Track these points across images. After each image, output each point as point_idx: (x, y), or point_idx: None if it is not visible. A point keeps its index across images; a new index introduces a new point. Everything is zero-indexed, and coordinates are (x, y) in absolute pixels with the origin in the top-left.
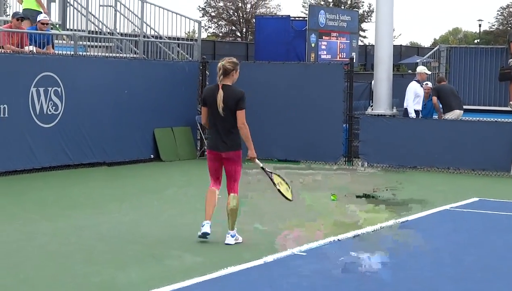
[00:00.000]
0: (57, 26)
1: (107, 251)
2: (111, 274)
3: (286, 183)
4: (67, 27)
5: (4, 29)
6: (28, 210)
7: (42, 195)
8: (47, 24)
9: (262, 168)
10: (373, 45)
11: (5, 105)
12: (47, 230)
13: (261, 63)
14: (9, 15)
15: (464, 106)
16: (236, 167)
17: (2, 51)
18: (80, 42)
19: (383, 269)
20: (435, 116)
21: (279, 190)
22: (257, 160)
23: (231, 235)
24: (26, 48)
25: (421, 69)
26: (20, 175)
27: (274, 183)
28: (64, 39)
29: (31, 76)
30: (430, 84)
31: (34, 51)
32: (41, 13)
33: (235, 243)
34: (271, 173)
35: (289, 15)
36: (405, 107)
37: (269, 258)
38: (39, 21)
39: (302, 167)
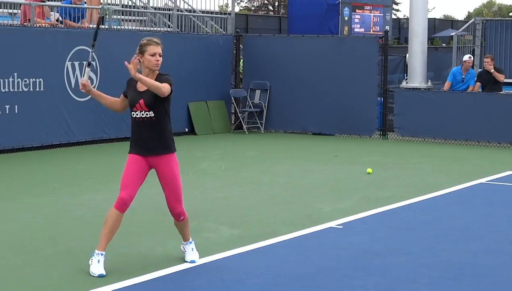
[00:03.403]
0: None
1: (144, 223)
2: (149, 246)
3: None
4: (101, 1)
5: (35, 3)
6: (65, 183)
7: (79, 168)
8: None
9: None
10: (407, 19)
11: (41, 79)
12: (85, 202)
13: (295, 37)
14: None
15: None
16: None
17: (37, 25)
18: (114, 16)
19: (418, 243)
20: None
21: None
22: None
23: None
24: (52, 18)
25: None
26: (56, 149)
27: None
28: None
29: (66, 50)
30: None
31: (60, 18)
32: None
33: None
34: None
35: None
36: None
37: (306, 231)
38: None
39: (336, 140)
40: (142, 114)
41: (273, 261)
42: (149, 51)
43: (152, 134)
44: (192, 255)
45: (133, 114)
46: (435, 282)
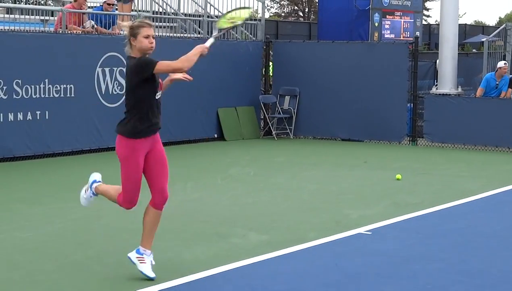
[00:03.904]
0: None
1: (172, 229)
2: (177, 251)
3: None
4: (132, 7)
5: (67, 9)
6: None
7: (108, 174)
8: (112, 5)
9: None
10: (437, 24)
11: (72, 85)
12: (113, 208)
13: (325, 43)
14: None
15: None
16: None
17: (69, 32)
18: None
19: (447, 249)
20: None
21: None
22: (207, 44)
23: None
24: (86, 24)
25: None
26: (86, 155)
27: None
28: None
29: (96, 56)
30: (507, 64)
31: (95, 26)
32: None
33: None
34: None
35: None
36: None
37: (335, 237)
38: (104, 1)
39: (365, 146)
40: (160, 94)
41: (301, 267)
42: (142, 33)
43: (159, 113)
44: (151, 270)
45: (157, 96)
46: (465, 289)
